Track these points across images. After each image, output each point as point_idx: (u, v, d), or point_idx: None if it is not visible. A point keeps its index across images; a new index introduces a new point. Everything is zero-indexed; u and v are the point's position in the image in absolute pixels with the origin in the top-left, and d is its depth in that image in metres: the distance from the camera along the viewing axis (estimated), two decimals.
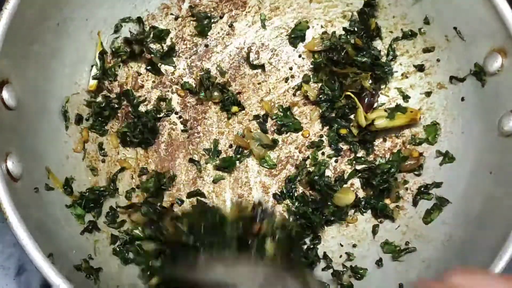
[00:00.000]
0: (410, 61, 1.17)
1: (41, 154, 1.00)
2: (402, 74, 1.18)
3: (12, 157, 0.88)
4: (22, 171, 0.89)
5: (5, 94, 0.88)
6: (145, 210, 1.09)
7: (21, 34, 0.92)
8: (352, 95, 1.15)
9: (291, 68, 1.23)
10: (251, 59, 1.22)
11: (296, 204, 1.17)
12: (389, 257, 1.11)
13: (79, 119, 1.11)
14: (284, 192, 1.18)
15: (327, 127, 1.20)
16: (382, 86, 1.18)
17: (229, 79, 1.22)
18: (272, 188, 1.19)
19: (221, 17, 1.22)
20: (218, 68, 1.21)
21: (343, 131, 1.18)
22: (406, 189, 1.15)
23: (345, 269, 1.12)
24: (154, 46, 1.19)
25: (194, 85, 1.20)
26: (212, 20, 1.22)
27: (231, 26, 1.22)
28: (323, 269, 1.13)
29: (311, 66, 1.22)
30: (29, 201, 0.90)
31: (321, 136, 1.20)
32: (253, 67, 1.22)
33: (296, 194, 1.18)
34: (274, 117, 1.21)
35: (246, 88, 1.22)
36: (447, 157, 1.11)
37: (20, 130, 0.94)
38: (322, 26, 1.22)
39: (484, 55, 1.01)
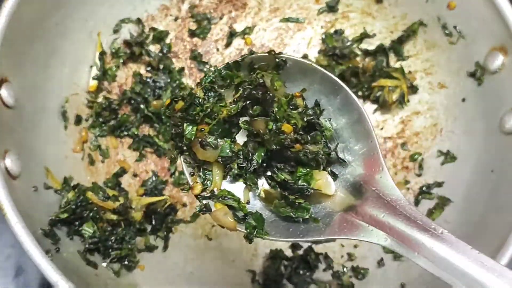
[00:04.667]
0: (410, 61, 1.17)
1: (40, 153, 0.99)
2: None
3: (10, 155, 0.87)
4: (21, 169, 0.89)
5: (4, 92, 0.88)
6: None
7: (20, 32, 0.93)
8: None
9: None
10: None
11: None
12: (390, 256, 1.10)
13: (78, 120, 1.10)
14: None
15: None
16: None
17: None
18: None
19: (220, 18, 1.22)
20: None
21: None
22: (408, 189, 1.14)
23: (346, 269, 1.11)
24: (154, 48, 1.19)
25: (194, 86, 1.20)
26: (212, 21, 1.22)
27: (230, 27, 1.22)
28: (324, 270, 1.12)
29: None
30: (28, 199, 0.89)
31: None
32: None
33: None
34: None
35: None
36: (448, 157, 1.11)
37: (19, 129, 0.94)
38: (322, 27, 1.22)
39: (485, 54, 1.02)
